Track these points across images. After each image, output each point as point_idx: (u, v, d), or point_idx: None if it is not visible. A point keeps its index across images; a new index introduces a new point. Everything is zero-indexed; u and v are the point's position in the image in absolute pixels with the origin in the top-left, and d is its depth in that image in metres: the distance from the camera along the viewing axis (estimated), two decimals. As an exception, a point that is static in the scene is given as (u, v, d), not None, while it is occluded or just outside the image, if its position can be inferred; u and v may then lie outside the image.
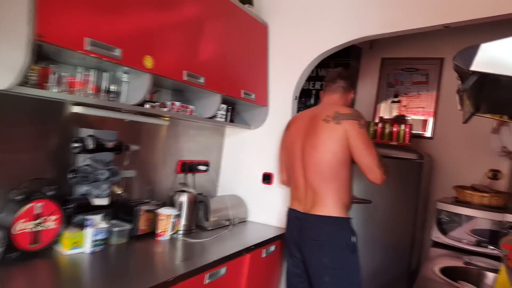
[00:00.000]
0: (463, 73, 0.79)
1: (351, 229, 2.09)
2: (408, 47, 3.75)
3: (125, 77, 1.89)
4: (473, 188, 2.74)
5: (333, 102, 2.27)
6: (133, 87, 1.89)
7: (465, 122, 1.26)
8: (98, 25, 1.61)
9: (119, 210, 2.13)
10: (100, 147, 1.94)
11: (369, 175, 2.04)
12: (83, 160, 1.95)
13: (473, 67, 0.74)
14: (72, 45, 1.51)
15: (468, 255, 2.32)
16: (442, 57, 3.61)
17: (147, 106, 2.02)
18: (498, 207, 2.55)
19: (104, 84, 1.85)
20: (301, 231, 2.14)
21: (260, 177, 2.90)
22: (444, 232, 2.59)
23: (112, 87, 1.86)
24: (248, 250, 2.22)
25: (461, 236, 2.51)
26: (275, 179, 2.84)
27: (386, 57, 3.88)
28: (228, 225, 2.62)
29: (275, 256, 2.58)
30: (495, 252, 2.05)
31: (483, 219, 2.44)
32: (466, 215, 2.50)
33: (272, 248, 2.51)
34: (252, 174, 2.94)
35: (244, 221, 2.87)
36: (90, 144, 1.88)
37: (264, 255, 2.39)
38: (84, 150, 1.87)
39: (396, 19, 2.52)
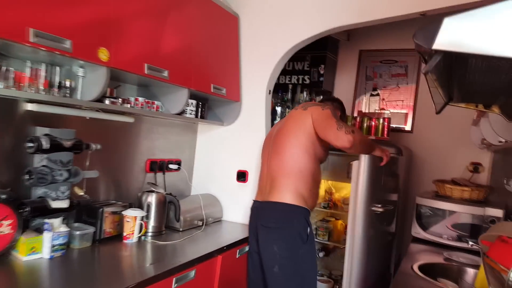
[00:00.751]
0: (426, 53, 0.70)
1: (305, 219, 2.07)
2: (386, 39, 3.67)
3: (80, 71, 1.77)
4: (454, 182, 2.68)
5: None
6: (89, 82, 1.77)
7: (438, 112, 1.18)
8: (44, 14, 1.49)
9: (82, 212, 2.03)
10: (57, 147, 1.83)
11: (336, 142, 1.98)
12: (39, 161, 1.84)
13: (436, 46, 0.65)
14: (14, 36, 1.39)
15: (448, 251, 2.26)
16: (420, 49, 3.55)
17: (107, 102, 1.90)
18: (479, 201, 2.49)
19: (56, 79, 1.73)
20: (257, 219, 2.16)
21: (235, 175, 2.81)
22: (424, 227, 2.52)
23: (67, 83, 1.74)
24: (220, 251, 2.12)
25: (442, 231, 2.45)
26: (250, 177, 2.74)
27: (364, 49, 3.80)
28: (201, 225, 2.52)
29: (250, 257, 2.49)
30: (476, 247, 1.98)
31: (464, 213, 2.38)
32: (446, 209, 2.44)
33: (247, 248, 2.41)
34: (226, 172, 2.84)
35: (218, 221, 2.77)
36: (45, 144, 1.76)
37: (238, 255, 2.30)
38: (39, 149, 1.76)
39: (371, 7, 2.44)
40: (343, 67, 3.91)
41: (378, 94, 3.74)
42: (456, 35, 0.65)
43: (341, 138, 1.97)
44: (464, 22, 0.65)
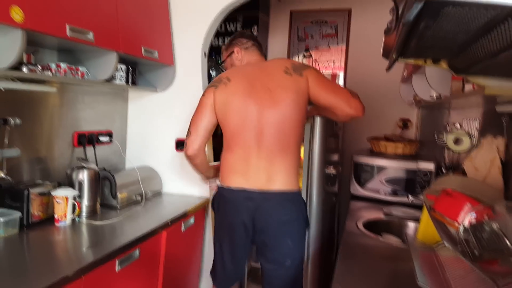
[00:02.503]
0: (404, 1, 0.65)
1: (305, 203, 1.90)
2: (316, -1, 3.66)
3: (-11, 35, 1.52)
4: (386, 139, 2.79)
5: (261, 60, 2.06)
6: (1, 47, 1.53)
7: (388, 69, 1.16)
8: None
9: (4, 196, 1.82)
10: (-33, 124, 1.58)
11: (348, 108, 1.76)
12: None
13: (417, -8, 0.59)
14: None
15: (386, 206, 2.36)
16: (350, 8, 3.58)
17: (24, 70, 1.67)
18: (411, 156, 2.62)
19: (-40, 45, 1.47)
20: (258, 213, 1.78)
21: (173, 144, 2.68)
22: (361, 184, 2.61)
23: (-27, 48, 1.49)
24: (164, 226, 2.03)
25: (378, 187, 2.55)
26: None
27: (294, 9, 3.76)
28: (140, 200, 2.39)
29: (196, 229, 2.43)
30: (416, 201, 2.09)
31: (398, 168, 2.49)
32: (382, 166, 2.54)
33: (192, 220, 2.34)
34: (163, 141, 2.70)
35: (158, 194, 2.65)
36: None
37: (183, 229, 2.22)
38: None
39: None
40: (275, 28, 3.86)
41: (310, 55, 3.75)
42: (439, -20, 0.60)
43: (356, 106, 1.77)
44: (448, -35, 0.60)
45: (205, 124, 1.87)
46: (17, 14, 1.47)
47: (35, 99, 2.03)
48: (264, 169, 1.78)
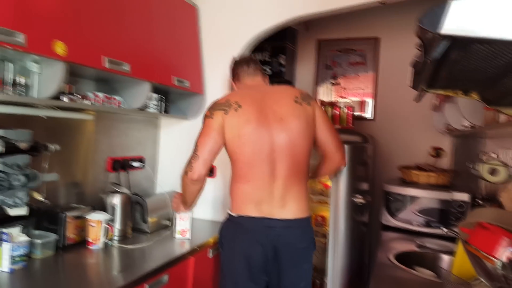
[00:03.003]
0: (430, 39, 0.66)
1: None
2: (343, 28, 3.70)
3: (35, 67, 1.62)
4: (419, 168, 2.74)
5: (261, 82, 2.04)
6: (45, 78, 1.63)
7: (418, 100, 1.16)
8: (-8, 5, 1.34)
9: (42, 219, 1.90)
10: (11, 149, 1.67)
11: (338, 153, 1.91)
12: (-7, 166, 1.68)
13: (444, 31, 0.61)
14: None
15: (419, 237, 2.29)
16: (378, 37, 3.60)
17: (64, 99, 1.76)
18: (444, 186, 2.55)
19: (9, 76, 1.57)
20: (280, 242, 1.78)
21: (202, 170, 2.71)
22: (393, 214, 2.56)
23: (21, 80, 1.59)
24: (192, 252, 2.04)
25: (410, 218, 2.49)
26: (218, 172, 2.67)
27: (322, 38, 3.81)
28: (169, 225, 2.43)
29: (223, 254, 2.43)
30: (451, 233, 2.03)
31: (431, 198, 2.43)
32: (414, 195, 2.48)
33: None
34: (192, 167, 2.74)
35: (187, 219, 2.67)
36: (1, 147, 1.61)
37: (210, 255, 2.22)
38: (-7, 153, 1.60)
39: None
40: (302, 57, 3.91)
41: (338, 83, 3.77)
42: (465, 19, 0.62)
43: (343, 154, 1.92)
44: (474, 5, 0.62)
45: (213, 148, 1.81)
46: (60, 48, 1.56)
47: (73, 126, 2.13)
48: (280, 197, 1.78)
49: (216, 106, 1.85)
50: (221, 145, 1.83)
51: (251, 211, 1.78)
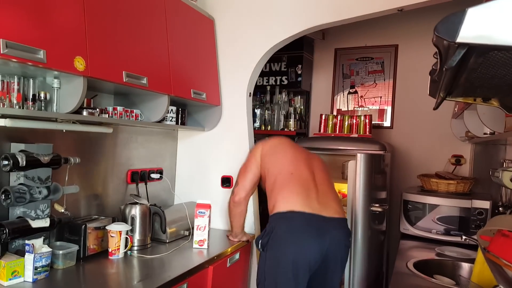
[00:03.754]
0: (446, 47, 0.66)
1: None
2: (361, 36, 3.69)
3: (55, 83, 1.67)
4: (438, 176, 2.70)
5: None
6: (65, 93, 1.68)
7: (436, 108, 1.15)
8: (14, 24, 1.39)
9: (63, 230, 1.94)
10: (34, 163, 1.71)
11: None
12: (16, 179, 1.74)
13: (460, 39, 0.61)
14: (-18, 48, 1.28)
15: (438, 245, 2.26)
16: (396, 44, 3.58)
17: (84, 113, 1.80)
18: (464, 194, 2.51)
19: (30, 92, 1.62)
20: (331, 242, 1.87)
21: (219, 181, 2.74)
22: (412, 223, 2.52)
23: (41, 95, 1.64)
24: (210, 261, 2.05)
25: (430, 226, 2.46)
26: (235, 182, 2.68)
27: (339, 47, 3.81)
28: (188, 235, 2.44)
29: (240, 264, 2.43)
30: (471, 241, 1.99)
31: (452, 207, 2.40)
32: (434, 204, 2.45)
33: (237, 256, 2.35)
34: (210, 178, 2.77)
35: (205, 229, 2.68)
36: (21, 160, 1.65)
37: (228, 264, 2.23)
38: (15, 167, 1.64)
39: (349, 5, 2.43)
40: (319, 66, 3.91)
41: (356, 92, 3.75)
42: (482, 26, 0.62)
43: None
44: (490, 12, 0.62)
45: (252, 177, 2.16)
46: (80, 64, 1.60)
47: (93, 139, 2.17)
48: (322, 197, 1.94)
49: (258, 141, 2.31)
50: (259, 174, 2.17)
51: (302, 207, 1.86)
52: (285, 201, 1.90)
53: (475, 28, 0.62)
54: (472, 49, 0.64)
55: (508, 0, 0.60)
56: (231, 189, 2.16)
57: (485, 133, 2.09)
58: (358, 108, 3.69)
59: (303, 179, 1.98)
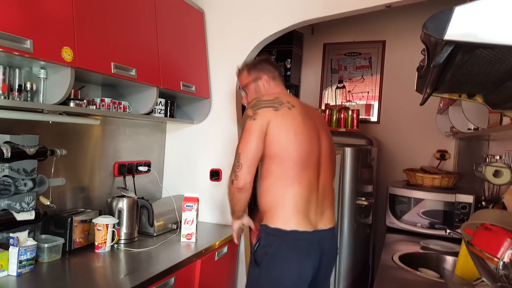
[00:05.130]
0: (434, 44, 0.67)
1: None
2: (349, 31, 3.71)
3: (42, 73, 1.64)
4: (423, 170, 2.74)
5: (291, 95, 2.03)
6: (52, 84, 1.65)
7: (423, 103, 1.17)
8: (1, 13, 1.36)
9: (49, 223, 1.91)
10: (19, 154, 1.69)
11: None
12: (0, 171, 1.71)
13: (447, 36, 0.62)
14: (-33, 36, 1.26)
15: (423, 239, 2.30)
16: (384, 40, 3.61)
17: (71, 104, 1.78)
18: (449, 188, 2.56)
19: (17, 82, 1.59)
20: (325, 254, 1.73)
21: (208, 174, 2.73)
22: (397, 217, 2.56)
23: (27, 85, 1.61)
24: (198, 255, 2.06)
25: (415, 220, 2.50)
26: (224, 176, 2.68)
27: (328, 42, 3.82)
28: (175, 229, 2.44)
29: (228, 258, 2.44)
30: (455, 235, 2.04)
31: (436, 201, 2.44)
32: (418, 198, 2.49)
33: (225, 249, 2.36)
34: (199, 171, 2.76)
35: (193, 222, 2.69)
36: (6, 152, 1.62)
37: (216, 258, 2.24)
38: (0, 159, 1.62)
39: (337, 0, 2.44)
40: (308, 61, 3.92)
41: (344, 87, 3.78)
42: (469, 25, 0.63)
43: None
44: (476, 11, 0.63)
45: (257, 154, 1.68)
46: (67, 54, 1.58)
47: (80, 131, 2.15)
48: (320, 203, 1.74)
49: (261, 103, 1.71)
50: (263, 148, 1.69)
51: (303, 224, 1.66)
52: (288, 216, 1.66)
53: (462, 26, 0.63)
54: (459, 46, 0.66)
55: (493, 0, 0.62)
56: (231, 172, 1.72)
57: (469, 129, 2.13)
58: (346, 103, 3.72)
59: (310, 177, 1.70)
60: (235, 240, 2.03)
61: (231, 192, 1.75)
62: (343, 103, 3.73)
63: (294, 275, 1.65)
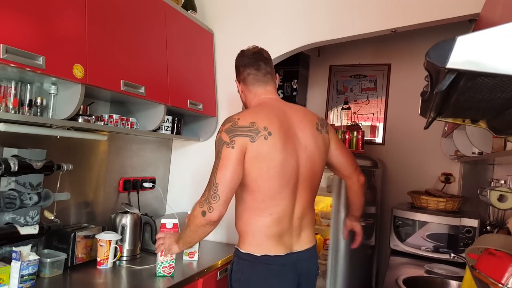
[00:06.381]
0: (437, 72, 0.69)
1: None
2: (355, 54, 3.76)
3: (52, 89, 1.67)
4: (428, 193, 2.73)
5: (275, 95, 1.80)
6: (62, 100, 1.68)
7: (427, 127, 1.18)
8: (16, 30, 1.40)
9: (52, 238, 1.92)
10: (26, 168, 1.71)
11: (355, 172, 1.87)
12: (7, 184, 1.73)
13: (450, 64, 0.63)
14: (-19, 52, 1.29)
15: (428, 262, 2.28)
16: (389, 63, 3.64)
17: (80, 120, 1.81)
18: (453, 211, 2.55)
19: (27, 97, 1.63)
20: (303, 273, 1.68)
21: (211, 192, 2.73)
22: (402, 239, 2.55)
23: (38, 100, 1.64)
24: (200, 274, 2.05)
25: (419, 243, 2.48)
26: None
27: (334, 64, 3.87)
28: (178, 246, 2.43)
29: (230, 277, 2.42)
30: (459, 259, 2.02)
31: (441, 224, 2.43)
32: (423, 221, 2.48)
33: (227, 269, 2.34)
34: (203, 189, 2.75)
35: (195, 240, 2.68)
36: (13, 165, 1.65)
37: (218, 277, 2.22)
38: (7, 172, 1.63)
39: (344, 24, 2.48)
40: (314, 82, 3.96)
41: (349, 108, 3.80)
42: (470, 54, 0.64)
43: (360, 174, 1.88)
44: (478, 41, 0.65)
45: (235, 184, 1.53)
46: (78, 71, 1.62)
47: (87, 146, 2.17)
48: (297, 227, 1.67)
49: (237, 130, 1.55)
50: (241, 178, 1.55)
51: (276, 248, 1.60)
52: (260, 241, 1.61)
53: (464, 55, 0.65)
54: (461, 74, 0.67)
55: (494, 30, 0.63)
56: (201, 202, 1.55)
57: (473, 153, 2.13)
58: (350, 123, 3.74)
59: (284, 206, 1.61)
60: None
61: (198, 224, 1.55)
62: (348, 123, 3.75)
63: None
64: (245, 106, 1.88)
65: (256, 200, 1.60)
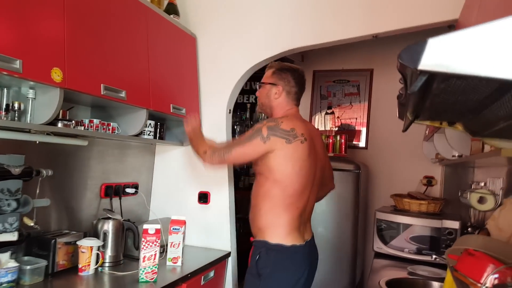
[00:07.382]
0: (410, 74, 0.70)
1: None
2: (338, 60, 3.79)
3: (30, 93, 1.65)
4: (410, 196, 2.76)
5: (298, 112, 2.06)
6: (40, 104, 1.66)
7: (405, 130, 1.20)
8: (-9, 33, 1.38)
9: (32, 244, 1.88)
10: (4, 174, 1.68)
11: (331, 181, 2.22)
12: (-16, 191, 1.68)
13: (421, 66, 0.64)
14: (-43, 55, 1.27)
15: (411, 264, 2.30)
16: (372, 68, 3.68)
17: (59, 125, 1.79)
18: (435, 214, 2.58)
19: (4, 102, 1.60)
20: (312, 259, 1.94)
21: (196, 197, 2.72)
22: (385, 242, 2.56)
23: (15, 105, 1.62)
24: (184, 279, 2.03)
25: (402, 245, 2.50)
26: (212, 199, 2.67)
27: (317, 69, 3.89)
28: (161, 252, 2.41)
29: (215, 282, 2.41)
30: (441, 261, 2.04)
31: (423, 226, 2.45)
32: (405, 223, 2.50)
33: (211, 273, 2.34)
34: (187, 194, 2.75)
35: (179, 246, 2.66)
36: (-9, 172, 1.62)
37: (202, 282, 2.21)
38: (-16, 178, 1.60)
39: (327, 30, 2.50)
40: (298, 86, 3.97)
41: (333, 112, 3.83)
42: (441, 56, 0.65)
43: (333, 179, 2.24)
44: (448, 43, 0.66)
45: (245, 163, 2.03)
46: (57, 75, 1.60)
47: (67, 152, 2.14)
48: (306, 220, 1.94)
49: (277, 131, 1.79)
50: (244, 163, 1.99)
51: (299, 239, 1.85)
52: (287, 233, 1.82)
53: (435, 57, 0.65)
54: (433, 76, 0.68)
55: (464, 32, 0.64)
56: (212, 148, 1.90)
57: (453, 156, 2.16)
58: (334, 128, 3.77)
59: (304, 202, 1.86)
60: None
61: (201, 157, 1.95)
62: (331, 128, 3.77)
63: (292, 283, 1.81)
64: (262, 106, 2.07)
65: (285, 195, 1.82)
